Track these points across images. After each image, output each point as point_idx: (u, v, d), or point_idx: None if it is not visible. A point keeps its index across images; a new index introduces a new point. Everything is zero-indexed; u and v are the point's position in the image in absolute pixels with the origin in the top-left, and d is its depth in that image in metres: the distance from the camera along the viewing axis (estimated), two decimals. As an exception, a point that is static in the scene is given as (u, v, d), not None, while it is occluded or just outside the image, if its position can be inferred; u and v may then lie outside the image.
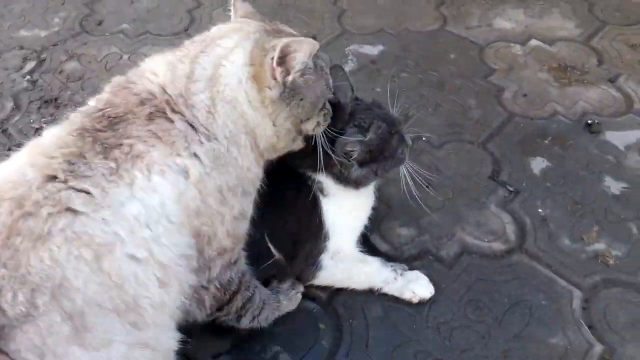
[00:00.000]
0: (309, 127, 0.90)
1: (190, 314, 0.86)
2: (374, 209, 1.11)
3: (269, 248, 1.00)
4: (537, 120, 1.43)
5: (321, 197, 1.02)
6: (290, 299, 1.04)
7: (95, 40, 1.76)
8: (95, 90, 1.52)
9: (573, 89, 1.53)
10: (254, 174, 0.86)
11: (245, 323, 0.95)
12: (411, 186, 1.04)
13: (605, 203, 1.22)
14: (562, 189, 1.25)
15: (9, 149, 1.39)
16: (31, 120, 1.48)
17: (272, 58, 0.80)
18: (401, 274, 1.06)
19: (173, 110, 0.78)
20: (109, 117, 0.77)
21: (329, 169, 0.97)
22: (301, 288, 1.06)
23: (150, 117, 0.78)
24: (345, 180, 1.00)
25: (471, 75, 1.59)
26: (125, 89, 0.81)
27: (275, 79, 0.81)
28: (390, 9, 1.88)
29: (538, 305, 1.04)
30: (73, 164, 0.70)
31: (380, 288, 1.06)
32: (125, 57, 1.69)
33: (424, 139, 1.39)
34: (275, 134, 0.86)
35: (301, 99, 0.85)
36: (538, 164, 1.31)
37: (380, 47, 1.71)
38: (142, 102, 0.79)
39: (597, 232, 1.15)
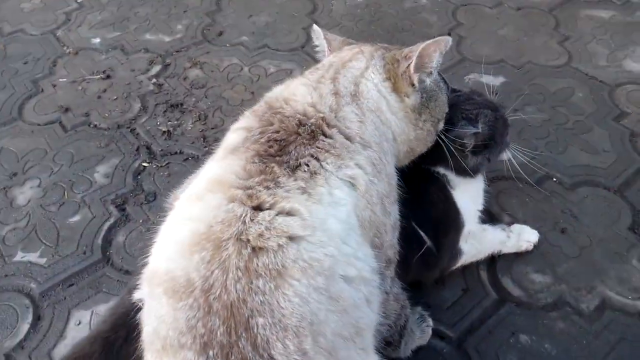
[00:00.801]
0: (442, 125, 0.95)
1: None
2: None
3: (419, 238, 0.99)
4: (680, 170, 1.34)
5: (449, 189, 1.04)
6: (422, 330, 1.00)
7: (217, 50, 1.81)
8: (219, 99, 1.58)
9: None
10: (396, 181, 0.87)
11: (400, 351, 0.91)
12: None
13: None
14: None
15: (137, 149, 1.44)
16: (158, 123, 1.52)
17: (409, 65, 0.86)
18: (510, 231, 1.13)
19: (329, 125, 0.79)
20: (277, 140, 0.77)
21: (447, 162, 1.00)
22: (431, 322, 1.02)
23: (313, 136, 0.78)
24: (463, 170, 1.03)
25: (602, 117, 1.51)
26: (276, 114, 0.81)
27: (413, 85, 0.87)
28: (511, 40, 1.82)
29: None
30: (270, 188, 0.69)
31: (500, 251, 1.12)
32: (246, 69, 1.72)
33: (554, 180, 1.33)
34: (416, 137, 0.90)
35: (436, 100, 0.91)
36: (686, 217, 1.22)
37: (501, 79, 1.66)
38: (301, 123, 0.79)
39: None
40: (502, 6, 2.00)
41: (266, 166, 0.72)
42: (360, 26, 1.91)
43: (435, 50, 0.87)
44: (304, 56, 1.77)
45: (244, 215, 0.65)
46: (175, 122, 1.52)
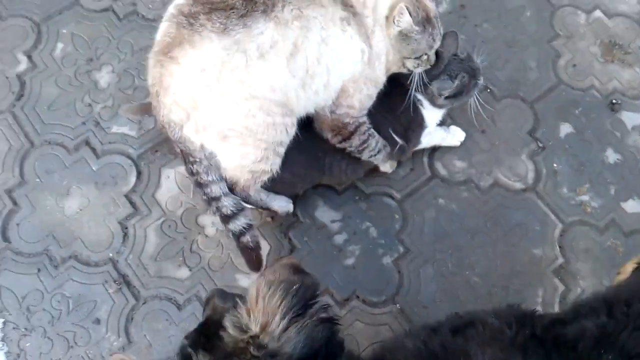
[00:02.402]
0: (409, 65, 1.44)
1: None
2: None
3: (394, 139, 1.59)
4: (576, 91, 1.88)
5: (421, 108, 1.61)
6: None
7: None
8: None
9: (613, 66, 1.93)
10: (382, 78, 1.45)
11: (365, 156, 1.53)
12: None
13: (600, 168, 1.76)
14: (575, 152, 1.78)
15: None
16: (195, 18, 1.90)
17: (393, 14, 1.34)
18: (449, 131, 1.71)
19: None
20: None
21: (425, 94, 1.56)
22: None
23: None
24: (434, 103, 1.59)
25: (540, 38, 1.96)
26: None
27: (394, 23, 1.35)
28: (486, -50, 2.12)
29: (532, 228, 1.67)
30: None
31: (439, 144, 1.72)
32: None
33: (489, 90, 1.87)
34: (392, 57, 1.41)
35: (407, 44, 1.38)
36: (565, 129, 1.82)
37: (471, -8, 2.04)
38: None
39: (586, 188, 1.73)
40: None
41: None
42: None
43: (402, 14, 1.33)
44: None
45: None
46: (209, 19, 1.90)
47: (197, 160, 1.29)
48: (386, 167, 1.65)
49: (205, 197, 1.35)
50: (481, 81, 1.60)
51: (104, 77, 1.78)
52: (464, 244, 1.64)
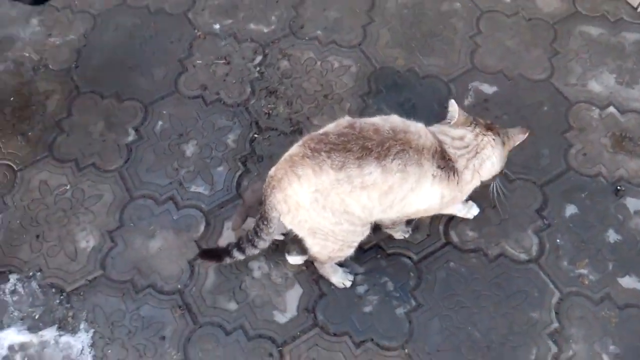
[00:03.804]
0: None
1: None
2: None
3: None
4: (584, 177, 2.12)
5: None
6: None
7: (299, 43, 2.57)
8: (299, 89, 2.41)
9: (621, 156, 2.16)
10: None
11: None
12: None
13: (601, 246, 1.97)
14: (578, 230, 2.01)
15: (250, 123, 2.35)
16: (262, 105, 2.39)
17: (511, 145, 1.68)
18: (466, 205, 1.95)
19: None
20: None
21: None
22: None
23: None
24: None
25: (554, 129, 2.24)
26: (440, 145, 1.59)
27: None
28: (514, 52, 2.46)
29: (532, 294, 1.89)
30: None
31: (456, 214, 1.97)
32: (319, 63, 2.51)
33: (504, 172, 2.16)
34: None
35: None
36: (570, 210, 2.05)
37: (495, 88, 2.38)
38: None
39: (585, 263, 1.94)
40: (517, 15, 2.58)
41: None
42: (404, 27, 2.59)
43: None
44: (360, 54, 2.53)
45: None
46: (272, 106, 2.39)
47: (271, 229, 1.66)
48: (398, 235, 1.97)
49: (249, 243, 1.76)
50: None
51: (190, 149, 2.29)
52: (469, 303, 1.90)
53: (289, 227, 1.64)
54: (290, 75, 2.46)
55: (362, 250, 2.02)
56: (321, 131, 1.54)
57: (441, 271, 1.96)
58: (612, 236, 1.99)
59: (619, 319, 1.82)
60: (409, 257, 2.00)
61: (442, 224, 2.06)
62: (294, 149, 1.54)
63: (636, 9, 2.54)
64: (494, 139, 1.59)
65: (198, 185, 2.19)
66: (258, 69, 2.48)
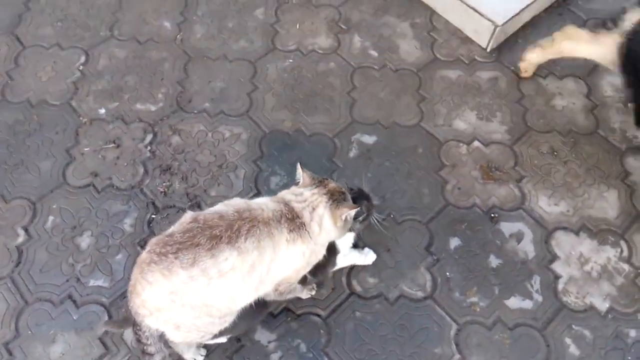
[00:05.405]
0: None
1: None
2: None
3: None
4: (461, 210, 2.34)
5: None
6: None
7: (188, 117, 2.63)
8: (193, 162, 2.47)
9: (491, 186, 2.42)
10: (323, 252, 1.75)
11: (290, 297, 1.92)
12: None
13: (485, 272, 2.17)
14: (464, 261, 2.20)
15: (147, 205, 2.36)
16: (156, 184, 2.42)
17: (342, 216, 1.67)
18: (362, 252, 2.11)
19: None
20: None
21: None
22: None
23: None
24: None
25: (430, 169, 2.47)
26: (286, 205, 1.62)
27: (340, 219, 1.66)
28: (387, 102, 2.68)
29: (432, 330, 2.04)
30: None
31: (355, 263, 2.10)
32: (210, 134, 2.59)
33: (391, 216, 2.33)
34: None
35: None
36: (454, 242, 2.25)
37: (374, 138, 2.57)
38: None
39: (475, 291, 2.12)
40: (385, 67, 2.83)
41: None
42: (287, 91, 2.75)
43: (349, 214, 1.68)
44: (248, 121, 2.64)
45: None
46: (168, 183, 2.42)
47: (147, 333, 1.62)
48: (304, 294, 2.06)
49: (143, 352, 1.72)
50: (376, 202, 2.03)
51: (85, 241, 2.25)
52: (379, 350, 2.01)
53: (155, 327, 1.57)
54: (182, 150, 2.51)
55: (273, 316, 2.08)
56: (167, 232, 1.54)
57: (349, 323, 2.06)
58: (493, 261, 2.20)
59: (511, 339, 2.01)
60: (318, 315, 2.08)
61: (344, 276, 2.17)
62: (143, 255, 1.52)
63: (486, 49, 2.88)
64: (325, 201, 1.64)
65: (97, 278, 2.15)
66: (149, 148, 2.51)
